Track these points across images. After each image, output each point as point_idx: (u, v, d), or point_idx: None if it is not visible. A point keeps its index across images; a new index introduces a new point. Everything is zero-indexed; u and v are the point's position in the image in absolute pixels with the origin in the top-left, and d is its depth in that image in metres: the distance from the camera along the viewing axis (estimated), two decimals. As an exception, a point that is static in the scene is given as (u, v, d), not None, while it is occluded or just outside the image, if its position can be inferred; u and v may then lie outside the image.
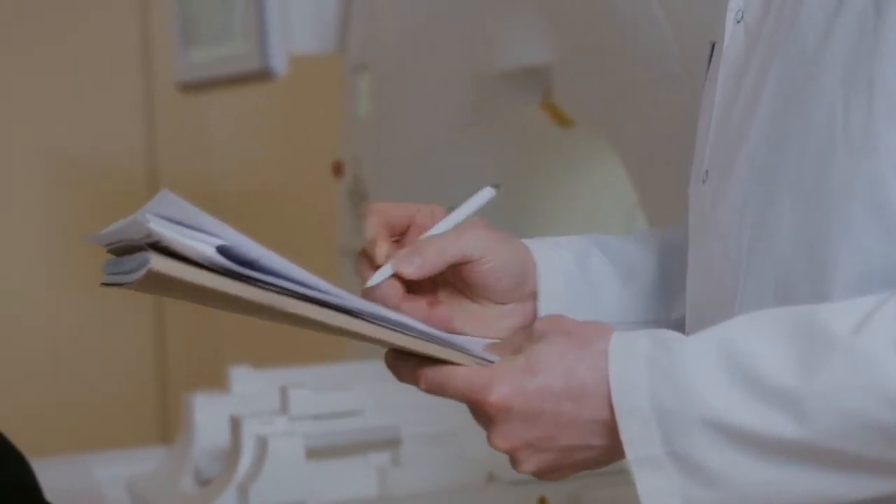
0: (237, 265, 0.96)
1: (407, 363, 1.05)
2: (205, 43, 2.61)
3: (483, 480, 1.79)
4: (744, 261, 1.04)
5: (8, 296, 3.40)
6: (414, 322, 1.03)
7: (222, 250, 0.95)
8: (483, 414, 1.01)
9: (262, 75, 2.43)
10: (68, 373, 3.44)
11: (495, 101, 2.10)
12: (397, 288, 1.11)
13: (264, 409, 1.82)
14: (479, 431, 1.77)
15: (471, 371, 1.01)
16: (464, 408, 1.81)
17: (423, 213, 1.14)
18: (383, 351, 1.08)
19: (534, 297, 1.16)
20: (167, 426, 3.50)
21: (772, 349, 0.94)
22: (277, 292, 0.97)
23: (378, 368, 1.95)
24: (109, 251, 1.02)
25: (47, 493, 1.47)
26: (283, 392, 1.79)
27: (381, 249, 1.11)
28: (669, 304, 1.19)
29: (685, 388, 0.95)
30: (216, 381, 2.13)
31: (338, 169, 2.47)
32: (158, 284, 0.97)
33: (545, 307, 1.16)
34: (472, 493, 1.77)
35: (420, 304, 1.13)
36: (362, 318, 1.01)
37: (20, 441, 1.48)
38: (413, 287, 1.13)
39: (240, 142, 3.58)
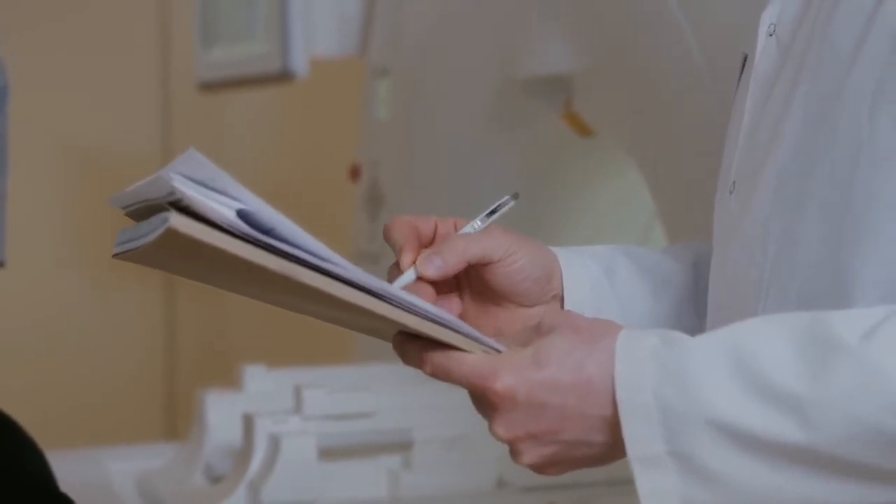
0: (255, 231, 0.93)
1: (414, 345, 1.03)
2: (225, 43, 2.62)
3: (494, 486, 1.79)
4: (768, 272, 1.03)
5: (19, 291, 3.40)
6: (426, 305, 1.01)
7: (242, 215, 0.93)
8: (487, 402, 1.00)
9: (283, 76, 2.43)
10: (78, 367, 3.44)
11: (517, 109, 2.10)
12: (426, 293, 1.10)
13: (277, 408, 1.82)
14: (491, 437, 1.78)
15: (478, 358, 1.00)
16: (476, 412, 1.82)
17: (445, 223, 1.14)
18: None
19: (558, 299, 1.15)
20: (174, 422, 3.51)
21: (779, 353, 0.94)
22: (292, 262, 0.94)
23: (391, 370, 1.97)
24: (127, 214, 0.99)
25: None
26: (297, 391, 1.79)
27: (407, 257, 1.11)
28: (703, 315, 1.17)
29: (690, 388, 0.95)
30: (225, 379, 2.12)
31: (355, 172, 2.47)
32: (170, 250, 0.94)
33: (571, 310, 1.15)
34: (483, 498, 1.77)
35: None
36: (375, 296, 0.98)
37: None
38: (439, 294, 1.13)
39: (255, 142, 3.58)
